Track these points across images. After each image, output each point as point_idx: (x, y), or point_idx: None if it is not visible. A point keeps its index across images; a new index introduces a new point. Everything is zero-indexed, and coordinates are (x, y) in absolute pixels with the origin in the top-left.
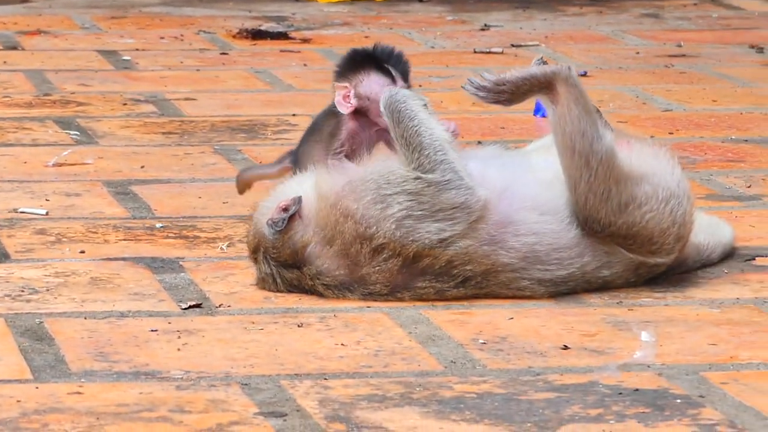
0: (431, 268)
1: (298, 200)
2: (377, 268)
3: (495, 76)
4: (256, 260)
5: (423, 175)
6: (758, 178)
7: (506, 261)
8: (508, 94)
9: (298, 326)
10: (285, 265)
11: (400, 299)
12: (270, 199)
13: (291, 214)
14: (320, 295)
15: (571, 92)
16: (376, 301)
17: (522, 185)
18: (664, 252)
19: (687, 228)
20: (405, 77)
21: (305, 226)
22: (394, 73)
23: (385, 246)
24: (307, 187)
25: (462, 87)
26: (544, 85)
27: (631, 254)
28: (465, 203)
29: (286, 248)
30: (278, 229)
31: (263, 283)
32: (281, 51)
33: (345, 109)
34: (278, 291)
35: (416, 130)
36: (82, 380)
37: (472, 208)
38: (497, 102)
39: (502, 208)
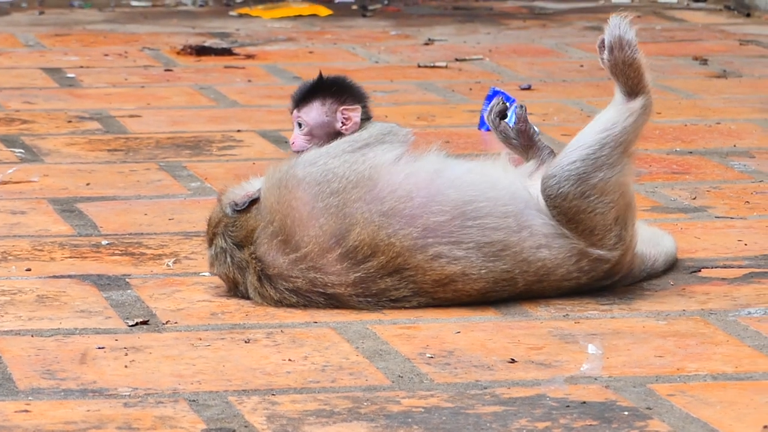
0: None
1: (259, 190)
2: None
3: None
4: (214, 235)
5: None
6: (703, 189)
7: (440, 219)
8: None
9: (245, 342)
10: (238, 245)
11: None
12: (239, 187)
13: (253, 198)
14: (257, 283)
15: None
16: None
17: (456, 165)
18: (605, 247)
19: (629, 232)
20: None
21: (258, 212)
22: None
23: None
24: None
25: None
26: None
27: (573, 239)
28: (393, 130)
29: (242, 229)
30: (238, 209)
31: (215, 260)
32: (225, 67)
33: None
34: (227, 272)
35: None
36: (30, 398)
37: (399, 134)
38: None
39: (438, 182)
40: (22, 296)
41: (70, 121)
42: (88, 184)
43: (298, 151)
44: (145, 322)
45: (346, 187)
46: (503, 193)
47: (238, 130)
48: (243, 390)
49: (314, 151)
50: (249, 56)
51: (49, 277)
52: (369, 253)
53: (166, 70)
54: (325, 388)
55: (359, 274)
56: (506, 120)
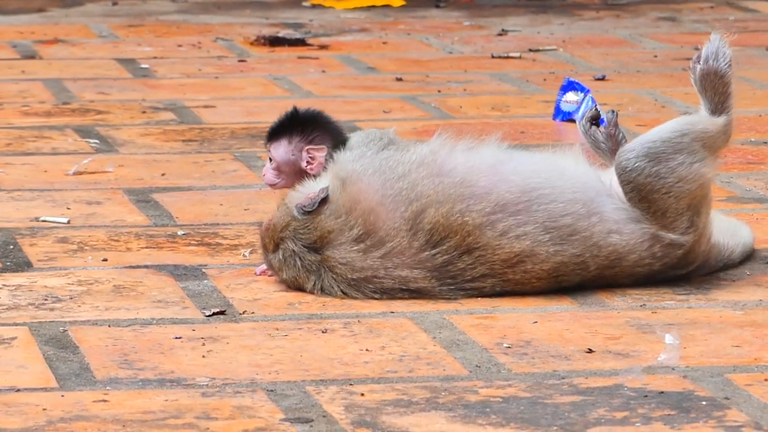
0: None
1: (326, 188)
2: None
3: None
4: (281, 240)
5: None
6: None
7: (508, 198)
8: None
9: (323, 332)
10: (310, 247)
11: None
12: (298, 192)
13: (322, 198)
14: (333, 284)
15: None
16: (389, 297)
17: (522, 156)
18: (677, 230)
19: (701, 219)
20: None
21: (332, 212)
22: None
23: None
24: (325, 181)
25: None
26: None
27: (645, 222)
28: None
29: (315, 231)
30: (308, 210)
31: (283, 264)
32: (299, 57)
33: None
34: (296, 276)
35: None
36: (108, 388)
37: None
38: None
39: (501, 171)
40: (99, 286)
41: (144, 112)
42: (163, 175)
43: (270, 185)
44: (221, 312)
45: (411, 169)
46: (571, 183)
47: None
48: (321, 380)
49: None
50: (323, 47)
51: (126, 267)
52: (444, 234)
53: (239, 61)
54: (403, 378)
55: (438, 257)
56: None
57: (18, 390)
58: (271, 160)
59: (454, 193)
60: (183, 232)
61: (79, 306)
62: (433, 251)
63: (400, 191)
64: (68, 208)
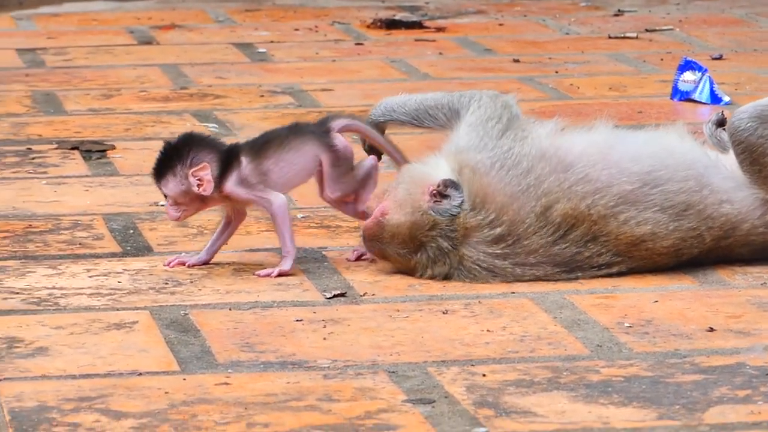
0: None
1: (454, 182)
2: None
3: None
4: (429, 239)
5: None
6: None
7: (627, 188)
8: None
9: (443, 313)
10: (454, 245)
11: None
12: (406, 184)
13: (461, 197)
14: (476, 276)
15: None
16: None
17: (631, 137)
18: None
19: None
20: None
21: (469, 210)
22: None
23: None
24: (448, 168)
25: None
26: None
27: (755, 188)
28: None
29: (460, 228)
30: (454, 212)
31: (432, 263)
32: (416, 40)
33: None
34: (447, 273)
35: None
36: (229, 371)
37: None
38: None
39: (615, 156)
40: (219, 270)
41: (262, 96)
42: None
43: (175, 220)
44: (342, 295)
45: (534, 164)
46: (681, 159)
47: None
48: (442, 361)
49: (472, 140)
50: (439, 29)
51: (246, 250)
52: (572, 223)
53: (356, 44)
54: (524, 358)
55: (567, 250)
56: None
57: (140, 374)
58: (166, 197)
59: (580, 190)
60: (303, 215)
61: (200, 290)
62: (563, 245)
63: (528, 187)
64: None
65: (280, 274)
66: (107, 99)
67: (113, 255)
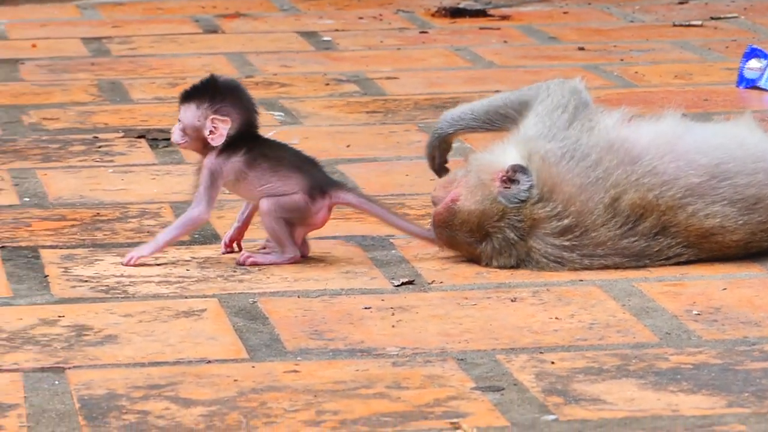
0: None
1: (523, 168)
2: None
3: None
4: (497, 229)
5: None
6: None
7: (695, 181)
8: None
9: (512, 301)
10: (521, 236)
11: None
12: (477, 171)
13: (531, 185)
14: (543, 268)
15: None
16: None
17: (699, 128)
18: None
19: None
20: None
21: (534, 197)
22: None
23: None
24: (517, 155)
25: None
26: None
27: None
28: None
29: (527, 219)
30: (522, 199)
31: (498, 253)
32: (480, 28)
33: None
34: (511, 264)
35: None
36: (298, 358)
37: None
38: None
39: (683, 147)
40: None
41: (327, 84)
42: (348, 146)
43: (175, 143)
44: (410, 282)
45: (602, 156)
46: (751, 151)
47: (496, 91)
48: (511, 348)
49: (538, 128)
50: (504, 17)
51: (314, 238)
52: (640, 213)
53: (421, 32)
54: (593, 345)
55: (636, 242)
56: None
57: (209, 362)
58: (179, 120)
59: (648, 182)
60: None
61: (268, 277)
62: (632, 238)
63: (596, 180)
64: None
65: (135, 259)
66: (173, 87)
67: (181, 243)
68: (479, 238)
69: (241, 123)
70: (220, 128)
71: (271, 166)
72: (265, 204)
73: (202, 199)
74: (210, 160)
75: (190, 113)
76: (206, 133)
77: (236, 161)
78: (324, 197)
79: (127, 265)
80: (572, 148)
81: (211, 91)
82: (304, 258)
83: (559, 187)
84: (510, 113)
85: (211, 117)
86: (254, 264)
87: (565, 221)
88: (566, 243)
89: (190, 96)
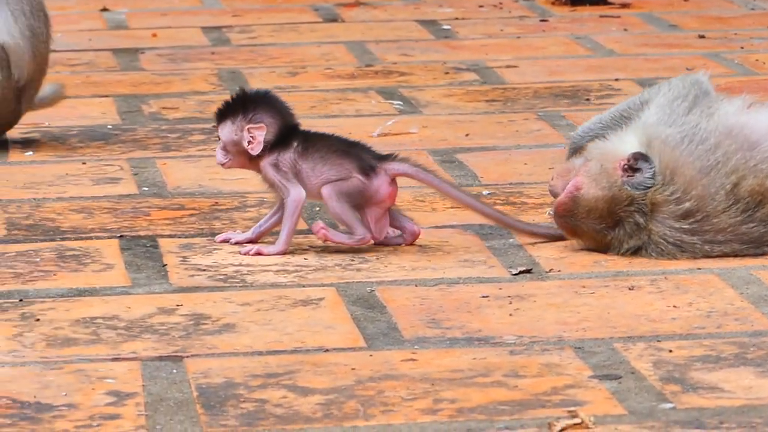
0: None
1: (644, 155)
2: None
3: None
4: (629, 213)
5: None
6: None
7: None
8: None
9: (629, 289)
10: (646, 219)
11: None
12: (599, 159)
13: (652, 168)
14: (663, 251)
15: None
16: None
17: None
18: None
19: None
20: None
21: (656, 181)
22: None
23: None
24: (637, 142)
25: None
26: None
27: None
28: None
29: (650, 203)
30: (648, 185)
31: (628, 238)
32: (601, 16)
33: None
34: (637, 248)
35: None
36: (416, 347)
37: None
38: None
39: None
40: (405, 247)
41: (447, 73)
42: (467, 135)
43: (220, 164)
44: (528, 271)
45: (721, 141)
46: None
47: (616, 79)
48: (628, 337)
49: (659, 115)
50: (624, 5)
51: (432, 227)
52: (759, 200)
53: (541, 21)
54: (711, 333)
55: (756, 229)
56: None
57: (327, 350)
58: (219, 140)
59: (766, 168)
60: (488, 192)
61: (386, 266)
62: (752, 224)
63: (716, 163)
64: None
65: (257, 253)
66: (293, 77)
67: (299, 232)
68: (611, 224)
69: (278, 126)
70: (257, 136)
71: (321, 155)
72: (325, 191)
73: (287, 186)
74: (264, 162)
75: (227, 130)
76: (245, 144)
77: (288, 156)
78: (378, 173)
79: (246, 254)
80: (691, 132)
81: (242, 105)
82: (379, 241)
83: (680, 171)
84: (633, 113)
85: (247, 127)
86: (327, 239)
87: (686, 205)
88: (687, 227)
89: (223, 114)
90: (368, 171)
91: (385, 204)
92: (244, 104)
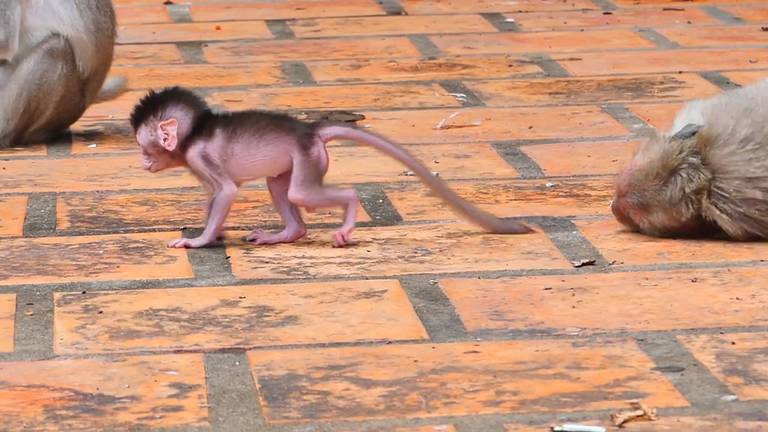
0: None
1: (690, 124)
2: None
3: None
4: (675, 164)
5: None
6: None
7: None
8: None
9: (692, 281)
10: (702, 156)
11: None
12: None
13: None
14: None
15: None
16: None
17: None
18: None
19: None
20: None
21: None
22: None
23: None
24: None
25: None
26: None
27: None
28: None
29: (702, 141)
30: (694, 129)
31: (686, 182)
32: (664, 9)
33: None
34: (702, 187)
35: None
36: (478, 339)
37: None
38: None
39: None
40: (468, 239)
41: (510, 65)
42: (530, 127)
43: (145, 169)
44: (591, 263)
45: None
46: None
47: (680, 72)
48: (691, 329)
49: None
50: None
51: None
52: None
53: (604, 13)
54: None
55: None
56: None
57: (389, 342)
58: (140, 146)
59: None
60: (551, 184)
61: (449, 258)
62: None
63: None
64: (436, 162)
65: (185, 246)
66: (356, 69)
67: (362, 224)
68: (667, 177)
69: (191, 117)
70: (170, 131)
71: (253, 133)
72: (294, 197)
73: (219, 181)
74: (191, 154)
75: (143, 134)
76: (162, 142)
77: (216, 142)
78: (315, 141)
79: (171, 247)
80: (745, 99)
81: (151, 106)
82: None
83: (724, 117)
84: None
85: (159, 125)
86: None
87: (741, 133)
88: (743, 153)
89: (137, 119)
90: (306, 142)
91: (326, 171)
92: (153, 104)
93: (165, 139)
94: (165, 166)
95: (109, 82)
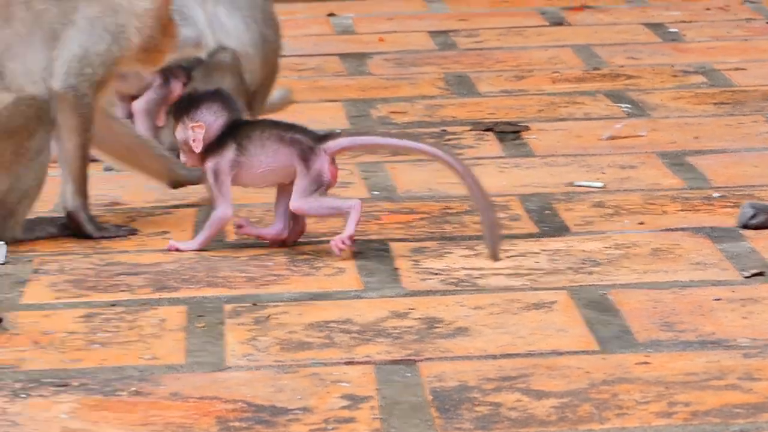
0: None
1: None
2: None
3: None
4: None
5: None
6: None
7: None
8: None
9: None
10: None
11: None
12: None
13: None
14: None
15: None
16: None
17: None
18: None
19: None
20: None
21: None
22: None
23: None
24: None
25: None
26: None
27: None
28: None
29: None
30: None
31: None
32: None
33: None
34: None
35: None
36: (649, 350)
37: None
38: None
39: None
40: (637, 250)
41: (675, 75)
42: (696, 138)
43: (185, 164)
44: (761, 274)
45: None
46: None
47: None
48: None
49: None
50: None
51: (662, 230)
52: None
53: (767, 23)
54: None
55: None
56: None
57: (560, 353)
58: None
59: None
60: (718, 194)
61: (618, 269)
62: None
63: None
64: (603, 173)
65: (176, 249)
66: (520, 80)
67: (530, 235)
68: None
69: (223, 122)
70: (197, 134)
71: (257, 145)
72: (296, 207)
73: (218, 200)
74: (207, 164)
75: (179, 129)
76: (191, 142)
77: (228, 153)
78: (318, 153)
79: (168, 250)
80: None
81: (186, 106)
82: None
83: None
84: None
85: (191, 126)
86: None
87: None
88: None
89: (175, 118)
90: (308, 154)
91: (330, 185)
92: (188, 106)
93: (194, 140)
94: (198, 163)
95: (274, 94)
